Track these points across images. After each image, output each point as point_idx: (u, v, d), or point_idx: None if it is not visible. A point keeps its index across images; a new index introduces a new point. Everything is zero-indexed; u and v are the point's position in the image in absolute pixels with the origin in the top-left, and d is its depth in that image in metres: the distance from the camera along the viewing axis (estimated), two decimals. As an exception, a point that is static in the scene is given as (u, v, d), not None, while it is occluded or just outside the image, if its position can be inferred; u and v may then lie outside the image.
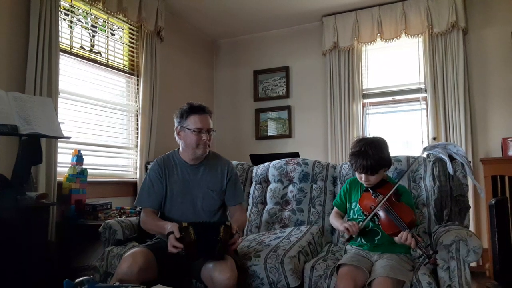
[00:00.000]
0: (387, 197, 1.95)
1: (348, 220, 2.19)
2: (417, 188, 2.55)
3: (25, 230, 2.23)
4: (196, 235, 1.88)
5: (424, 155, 2.61)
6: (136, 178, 3.96)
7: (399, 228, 1.87)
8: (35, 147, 2.36)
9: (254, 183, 3.00)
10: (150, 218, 2.18)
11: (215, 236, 1.89)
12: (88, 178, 3.28)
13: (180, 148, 2.27)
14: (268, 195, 2.89)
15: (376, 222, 1.99)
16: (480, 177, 3.86)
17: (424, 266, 1.91)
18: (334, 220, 2.21)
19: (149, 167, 2.39)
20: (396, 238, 1.90)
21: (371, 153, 1.97)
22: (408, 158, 2.62)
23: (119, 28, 4.01)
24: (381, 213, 1.96)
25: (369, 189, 2.05)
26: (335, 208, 2.27)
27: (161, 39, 4.23)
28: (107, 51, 3.83)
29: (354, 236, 2.00)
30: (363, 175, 2.03)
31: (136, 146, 4.04)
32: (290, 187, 2.85)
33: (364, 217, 2.02)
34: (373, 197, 2.01)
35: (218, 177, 2.26)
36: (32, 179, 2.66)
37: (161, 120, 4.13)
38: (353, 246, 2.12)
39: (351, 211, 2.16)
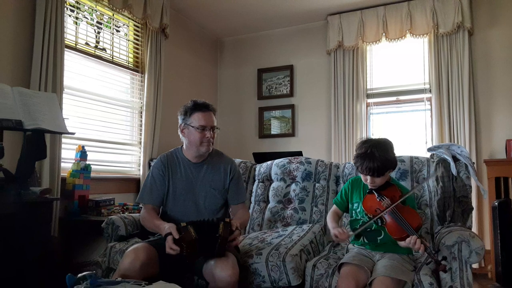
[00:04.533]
0: (395, 204, 1.91)
1: (350, 220, 2.19)
2: (420, 188, 2.54)
3: (29, 224, 2.24)
4: (196, 233, 1.88)
5: (429, 155, 2.61)
6: (139, 175, 3.97)
7: (406, 232, 1.84)
8: (39, 142, 2.37)
9: (256, 181, 3.00)
10: (149, 216, 2.18)
11: (215, 233, 1.89)
12: (92, 174, 3.29)
13: (184, 146, 2.27)
14: (270, 193, 2.89)
15: (380, 224, 1.97)
16: (484, 179, 3.85)
17: (433, 271, 1.88)
18: (329, 220, 2.16)
19: (152, 164, 2.39)
20: (402, 243, 1.87)
21: (378, 155, 1.94)
22: (411, 158, 2.62)
23: (124, 24, 4.01)
24: (387, 217, 1.92)
25: (374, 191, 2.02)
26: (334, 207, 2.23)
27: (166, 36, 4.23)
28: (112, 47, 3.84)
29: (341, 243, 1.97)
30: (368, 177, 2.00)
31: (140, 142, 4.05)
32: (293, 186, 2.85)
33: (368, 219, 2.01)
34: (378, 199, 1.98)
35: (220, 175, 2.26)
36: (36, 174, 2.68)
37: (165, 117, 4.14)
38: (355, 245, 2.12)
39: (353, 211, 2.14)
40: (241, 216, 2.22)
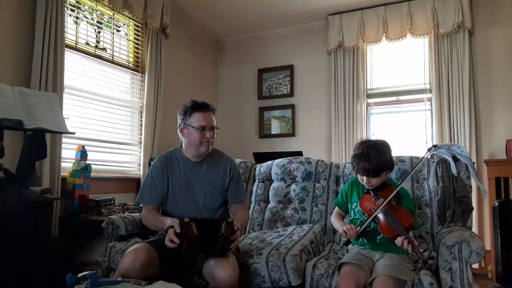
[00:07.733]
0: (387, 201, 1.94)
1: (349, 220, 2.20)
2: (420, 188, 2.54)
3: (29, 224, 2.24)
4: (198, 231, 1.88)
5: (428, 155, 2.61)
6: (139, 175, 3.97)
7: (397, 231, 1.87)
8: (39, 142, 2.36)
9: (257, 181, 3.00)
10: (151, 214, 2.19)
11: (217, 232, 1.89)
12: (92, 174, 3.29)
13: (183, 145, 2.27)
14: (270, 193, 2.89)
15: (377, 223, 1.99)
16: (484, 179, 3.85)
17: (420, 271, 1.90)
18: (334, 221, 2.21)
19: (152, 163, 2.39)
20: (395, 241, 1.90)
21: (374, 156, 1.97)
22: (411, 158, 2.62)
23: (124, 24, 4.02)
24: (381, 216, 1.96)
25: (370, 191, 2.05)
26: (336, 208, 2.27)
27: (166, 36, 4.23)
28: (113, 47, 3.84)
29: (352, 240, 2.01)
30: (364, 178, 2.03)
31: (140, 142, 4.05)
32: (293, 186, 2.85)
33: (366, 218, 2.02)
34: (374, 199, 2.01)
35: (220, 175, 2.27)
36: (36, 174, 2.68)
37: (165, 117, 4.14)
38: (354, 245, 2.13)
39: (352, 211, 2.17)
40: (241, 217, 2.22)
